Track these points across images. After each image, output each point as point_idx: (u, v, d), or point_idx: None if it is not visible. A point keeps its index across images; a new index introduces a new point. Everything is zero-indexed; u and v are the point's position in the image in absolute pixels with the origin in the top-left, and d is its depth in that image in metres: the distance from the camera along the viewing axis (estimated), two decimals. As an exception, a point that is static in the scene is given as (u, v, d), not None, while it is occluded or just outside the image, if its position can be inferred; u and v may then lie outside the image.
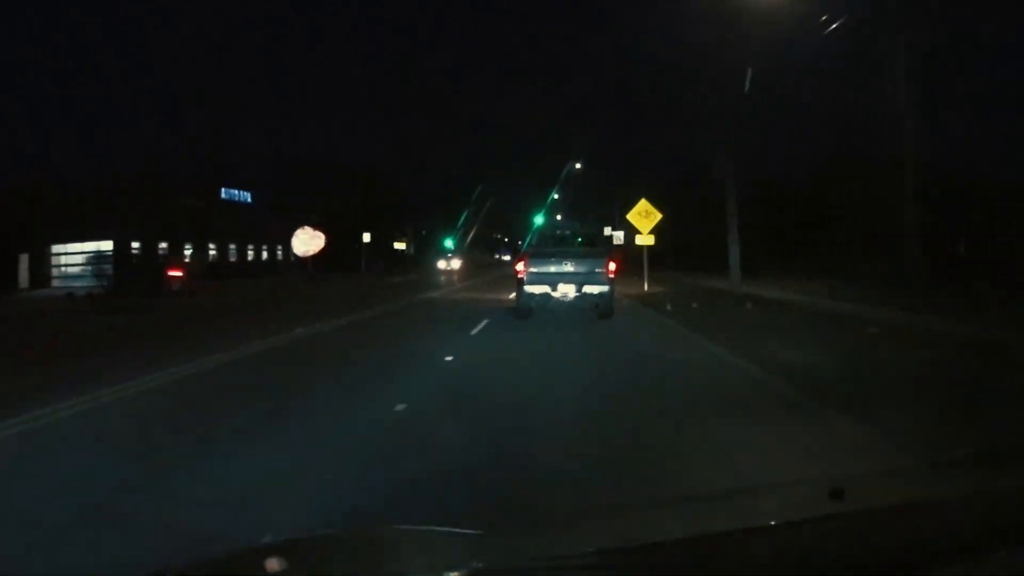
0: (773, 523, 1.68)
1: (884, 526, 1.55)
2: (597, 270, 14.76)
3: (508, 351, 11.21)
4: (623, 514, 2.14)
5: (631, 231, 25.07)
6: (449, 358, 10.05)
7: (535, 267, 14.91)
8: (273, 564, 1.56)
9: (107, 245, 34.26)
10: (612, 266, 14.97)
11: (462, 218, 70.43)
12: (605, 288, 14.72)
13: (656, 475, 4.76)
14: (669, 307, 17.39)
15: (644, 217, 22.92)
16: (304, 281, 34.49)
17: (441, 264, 52.56)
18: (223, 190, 43.72)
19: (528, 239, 17.18)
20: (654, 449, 5.39)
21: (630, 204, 23.72)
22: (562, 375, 8.81)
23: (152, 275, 28.65)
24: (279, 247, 48.84)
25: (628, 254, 27.18)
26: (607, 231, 32.43)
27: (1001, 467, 2.52)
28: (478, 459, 5.08)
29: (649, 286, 24.00)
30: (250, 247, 47.45)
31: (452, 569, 1.52)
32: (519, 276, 15.16)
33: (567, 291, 14.75)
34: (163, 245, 37.70)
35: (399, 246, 63.32)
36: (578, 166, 49.30)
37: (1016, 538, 1.39)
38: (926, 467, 4.30)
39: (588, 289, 14.69)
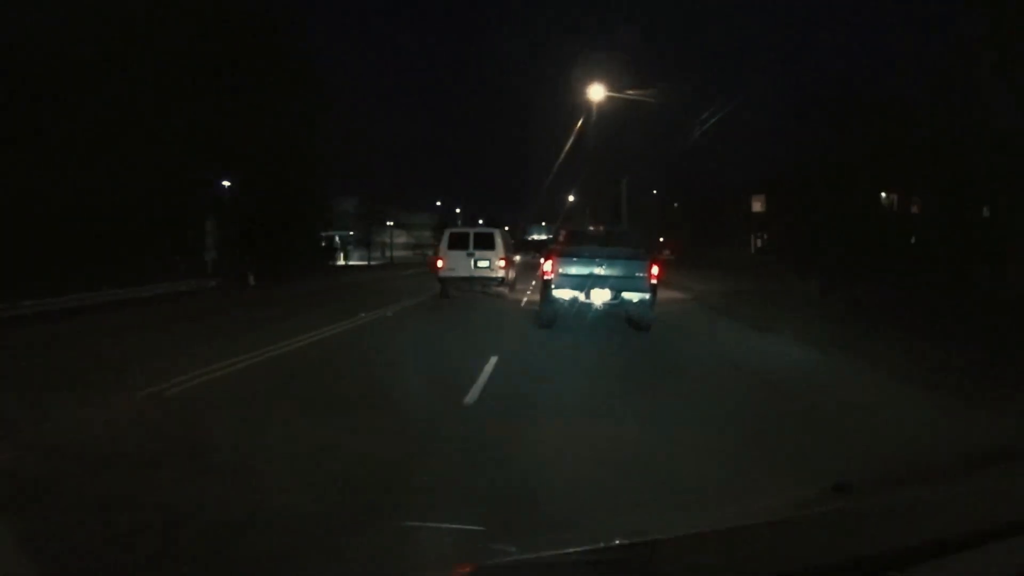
0: (777, 519, 1.68)
1: (885, 522, 1.54)
2: (637, 274, 12.63)
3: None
4: (625, 510, 2.42)
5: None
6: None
7: (565, 268, 12.78)
8: (277, 563, 1.60)
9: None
10: (655, 270, 12.84)
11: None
12: (646, 295, 12.59)
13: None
14: None
15: None
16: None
17: None
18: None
19: None
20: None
21: None
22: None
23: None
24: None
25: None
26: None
27: (1000, 467, 2.66)
28: None
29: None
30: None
31: (457, 565, 1.58)
32: (545, 278, 13.05)
33: (601, 297, 12.63)
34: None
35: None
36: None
37: (1014, 536, 1.38)
38: (926, 466, 4.37)
39: (626, 296, 12.58)
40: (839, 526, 1.55)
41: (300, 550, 1.68)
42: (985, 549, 1.35)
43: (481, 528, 1.89)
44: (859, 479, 3.24)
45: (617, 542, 1.52)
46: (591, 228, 15.96)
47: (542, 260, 13.78)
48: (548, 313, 12.97)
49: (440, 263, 19.26)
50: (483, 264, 19.25)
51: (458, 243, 19.35)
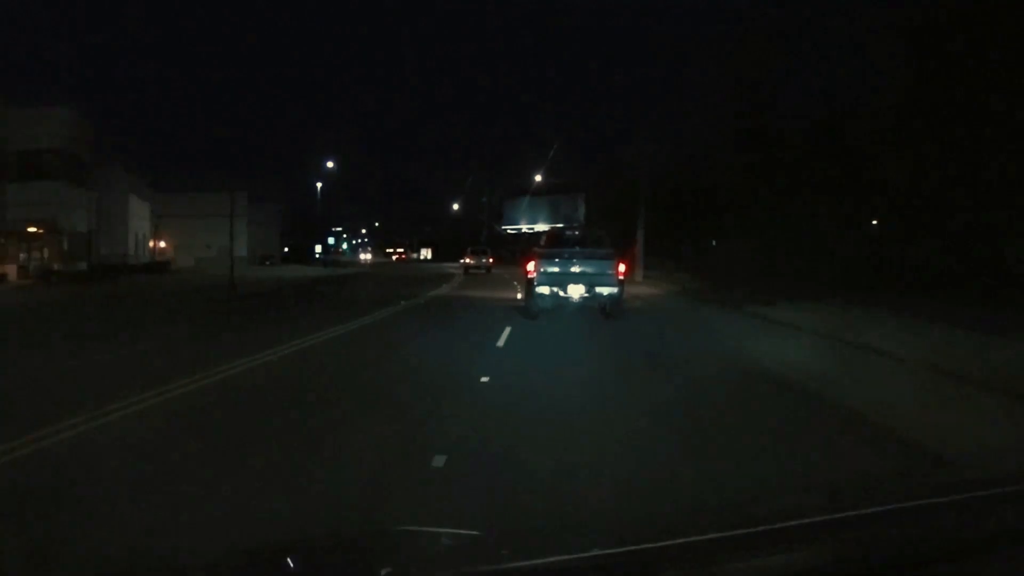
0: (771, 527, 1.62)
1: (883, 527, 1.53)
2: (607, 271, 14.92)
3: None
4: (622, 517, 2.15)
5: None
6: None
7: (545, 267, 15.02)
8: (273, 567, 1.58)
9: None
10: (622, 267, 15.14)
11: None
12: (615, 289, 14.88)
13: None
14: None
15: None
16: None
17: None
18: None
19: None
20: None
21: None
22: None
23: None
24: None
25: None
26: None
27: (999, 467, 2.48)
28: None
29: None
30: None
31: (452, 570, 1.54)
32: (529, 276, 15.27)
33: (577, 292, 14.90)
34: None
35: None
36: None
37: (1014, 539, 1.38)
38: (926, 467, 4.53)
39: (598, 290, 14.86)
40: (834, 534, 1.51)
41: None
42: (989, 558, 1.31)
43: (477, 533, 1.88)
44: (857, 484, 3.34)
45: (611, 550, 1.52)
46: (567, 232, 18.23)
47: (525, 262, 16.01)
48: (533, 307, 15.19)
49: (467, 261, 45.19)
50: (484, 260, 45.05)
51: (473, 252, 45.59)
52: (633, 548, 1.50)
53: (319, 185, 58.60)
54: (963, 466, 3.95)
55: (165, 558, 3.43)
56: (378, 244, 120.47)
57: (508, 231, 48.98)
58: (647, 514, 3.51)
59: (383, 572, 1.53)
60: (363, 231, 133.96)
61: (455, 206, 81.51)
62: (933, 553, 1.35)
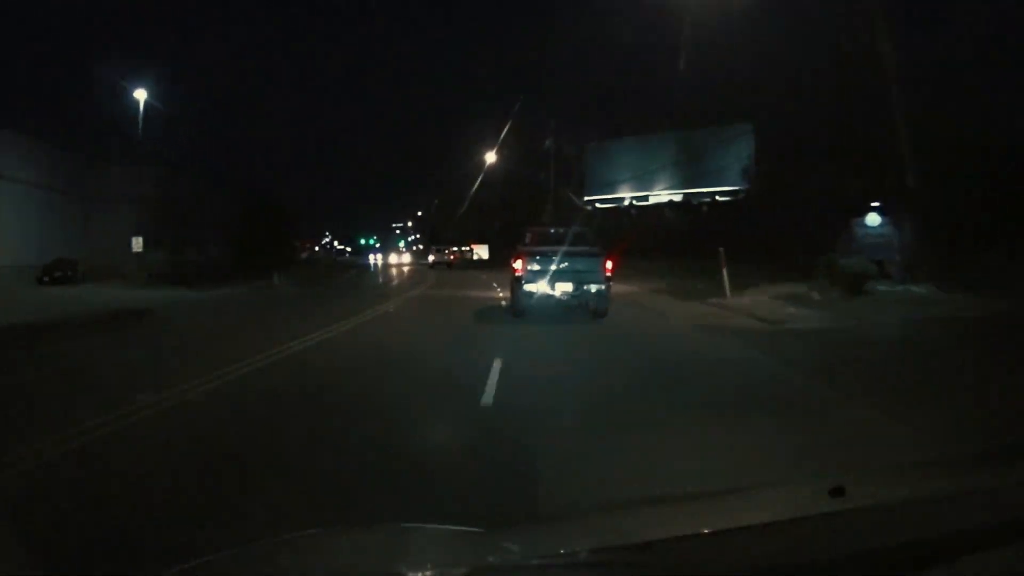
0: (774, 521, 1.66)
1: (885, 524, 1.54)
2: (595, 268, 14.78)
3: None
4: (623, 511, 2.19)
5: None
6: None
7: (533, 265, 14.92)
8: (276, 562, 1.60)
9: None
10: (609, 265, 14.97)
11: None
12: (602, 287, 14.75)
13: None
14: None
15: None
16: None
17: None
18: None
19: None
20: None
21: None
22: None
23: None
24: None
25: None
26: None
27: (1002, 464, 2.44)
28: None
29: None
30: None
31: (454, 567, 1.53)
32: (516, 274, 15.18)
33: (565, 289, 14.78)
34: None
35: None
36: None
37: (1017, 536, 1.37)
38: (927, 464, 4.39)
39: (586, 287, 14.73)
40: (836, 529, 1.52)
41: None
42: (991, 553, 1.30)
43: (480, 530, 1.89)
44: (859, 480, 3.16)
45: (614, 543, 1.52)
46: (552, 230, 18.07)
47: (514, 259, 15.89)
48: (519, 304, 15.11)
49: (432, 258, 54.57)
50: (446, 257, 54.08)
51: (437, 251, 54.98)
52: (632, 544, 1.50)
53: (141, 96, 32.28)
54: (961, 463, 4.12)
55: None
56: (441, 240, 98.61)
57: (597, 204, 26.65)
58: (647, 505, 3.45)
59: (391, 569, 1.53)
60: (409, 225, 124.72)
61: (491, 156, 50.34)
62: (933, 550, 1.34)
